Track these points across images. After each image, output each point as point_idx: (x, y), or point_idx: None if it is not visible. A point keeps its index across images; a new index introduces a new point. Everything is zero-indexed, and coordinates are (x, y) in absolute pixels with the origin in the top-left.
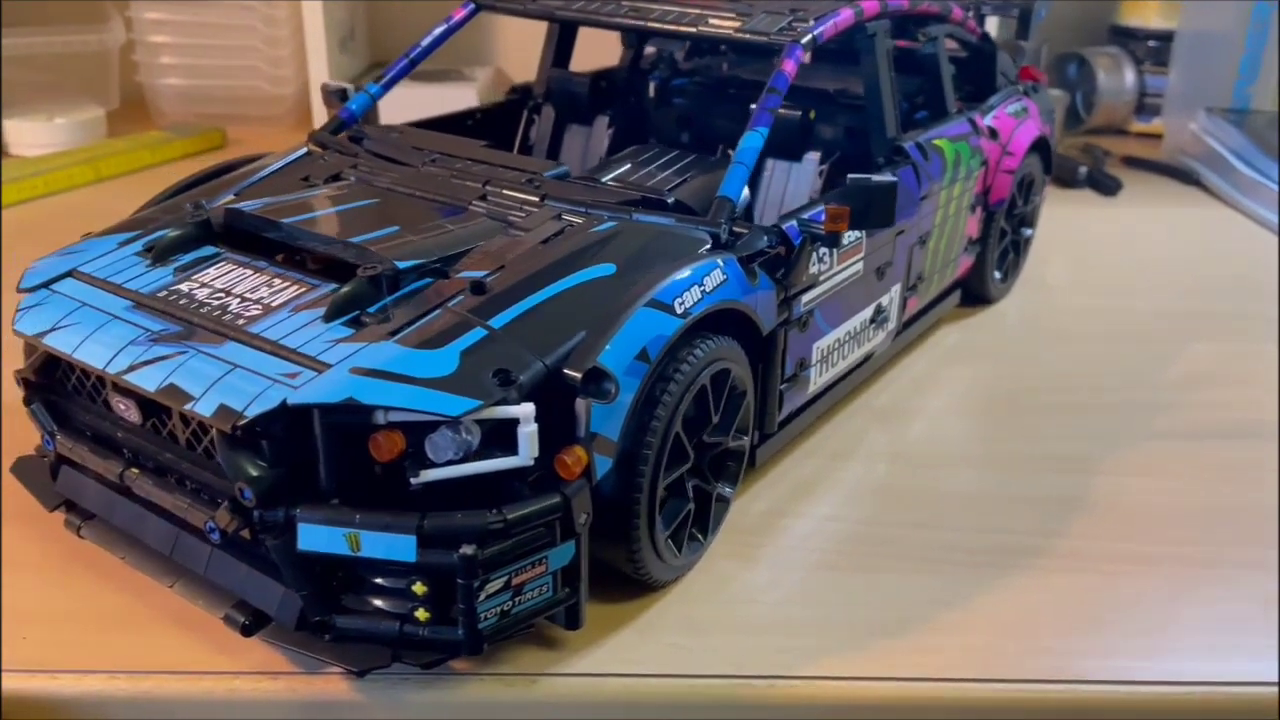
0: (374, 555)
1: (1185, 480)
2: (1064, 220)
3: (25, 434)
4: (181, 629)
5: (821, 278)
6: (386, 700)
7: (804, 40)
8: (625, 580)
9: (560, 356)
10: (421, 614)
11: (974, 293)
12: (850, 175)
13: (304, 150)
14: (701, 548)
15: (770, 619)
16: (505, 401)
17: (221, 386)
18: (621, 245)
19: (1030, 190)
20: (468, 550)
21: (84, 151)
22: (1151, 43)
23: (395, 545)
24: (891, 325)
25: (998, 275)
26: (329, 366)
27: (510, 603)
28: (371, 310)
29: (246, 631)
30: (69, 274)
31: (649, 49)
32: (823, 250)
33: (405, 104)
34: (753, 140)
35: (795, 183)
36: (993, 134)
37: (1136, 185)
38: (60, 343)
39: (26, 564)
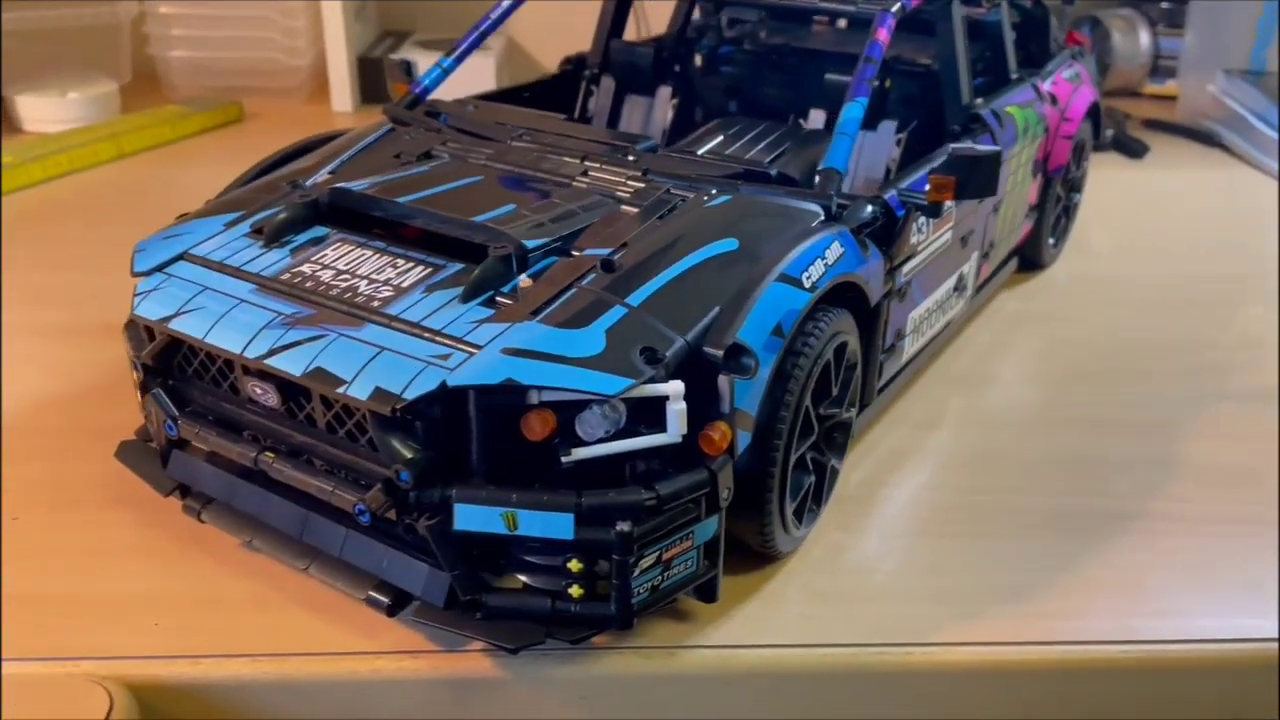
0: (531, 534)
1: (1268, 441)
2: (1097, 184)
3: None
4: (313, 611)
5: (920, 248)
6: (529, 675)
7: (894, 9)
8: (745, 553)
9: (699, 333)
10: (575, 590)
11: (1028, 258)
12: (953, 145)
13: (388, 127)
14: (815, 519)
15: (891, 587)
16: (654, 379)
17: (373, 369)
18: (739, 219)
19: (1081, 155)
20: (624, 527)
21: (105, 127)
22: (1165, 4)
23: (553, 523)
24: (969, 293)
25: (1051, 241)
26: (479, 347)
27: (660, 578)
28: (505, 290)
29: (391, 612)
30: (181, 256)
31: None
32: (922, 220)
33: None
34: (854, 111)
35: (871, 151)
36: (1053, 100)
37: (1160, 148)
38: (189, 328)
39: (140, 550)
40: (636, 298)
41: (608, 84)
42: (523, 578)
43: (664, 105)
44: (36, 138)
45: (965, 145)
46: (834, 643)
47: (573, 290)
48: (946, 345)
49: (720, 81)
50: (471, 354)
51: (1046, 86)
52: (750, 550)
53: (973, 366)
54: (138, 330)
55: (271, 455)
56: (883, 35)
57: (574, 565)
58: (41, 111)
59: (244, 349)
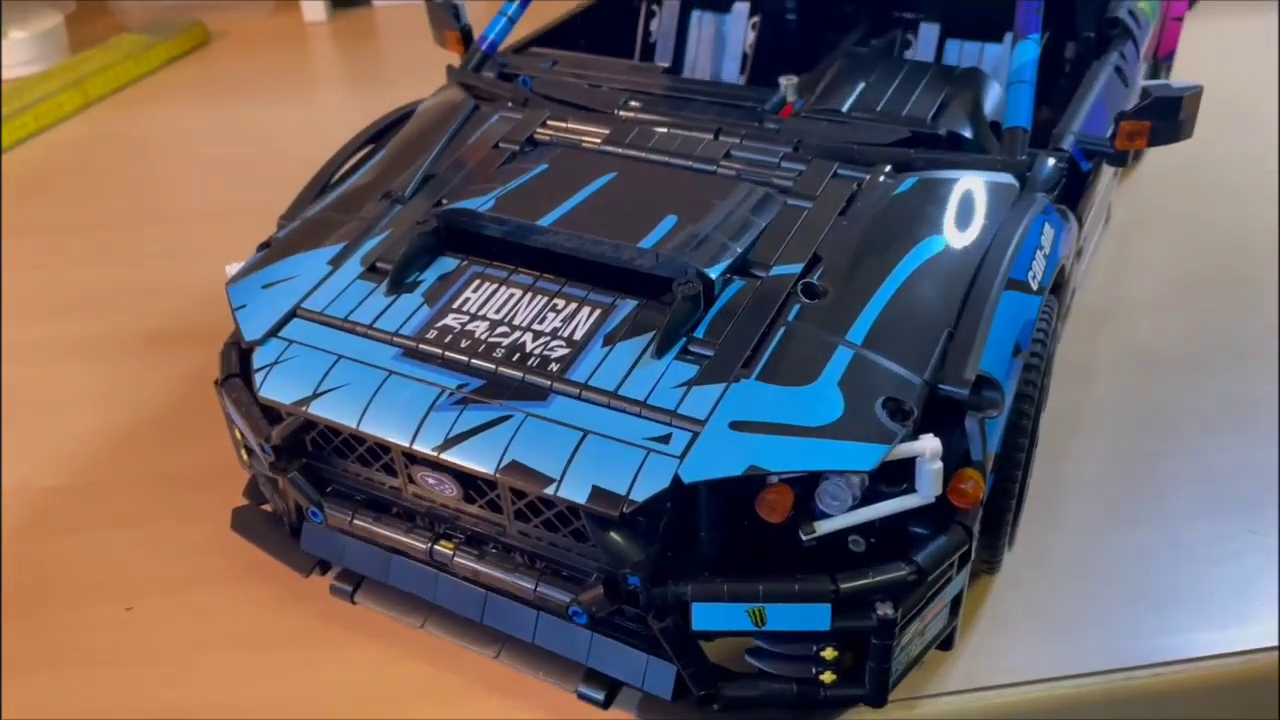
0: (781, 628)
1: None
2: None
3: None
4: (506, 696)
5: (1096, 195)
6: None
7: None
8: None
9: (934, 367)
10: (827, 676)
11: None
12: (1145, 83)
13: (471, 105)
14: None
15: (1111, 593)
16: (905, 438)
17: (583, 461)
18: (934, 209)
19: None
20: (886, 611)
21: (65, 72)
22: None
23: (807, 615)
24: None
25: None
26: (701, 423)
27: (915, 646)
28: (698, 334)
29: (605, 705)
30: (294, 313)
31: None
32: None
33: None
34: (1028, 51)
35: (996, 69)
36: None
37: None
38: (336, 413)
39: (287, 636)
40: (858, 332)
41: (672, 3)
42: (759, 665)
43: (742, 25)
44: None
45: (1159, 83)
46: (1080, 672)
47: (782, 330)
48: None
49: (791, 24)
50: (694, 432)
51: None
52: None
53: (1105, 291)
54: (242, 395)
55: (449, 546)
56: None
57: (828, 654)
58: None
59: (414, 439)
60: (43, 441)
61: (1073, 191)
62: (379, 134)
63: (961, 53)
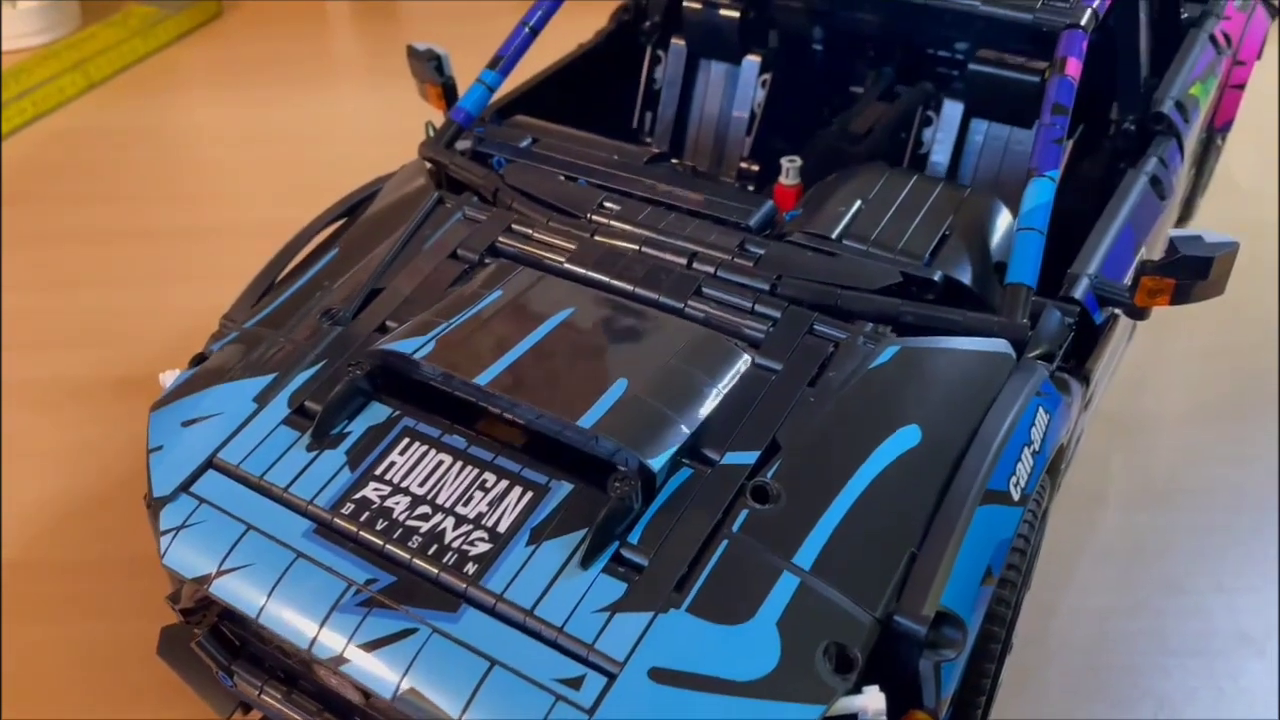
0: None
1: None
2: None
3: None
4: None
5: (1109, 347)
6: None
7: (1084, 21)
8: None
9: (890, 597)
10: None
11: None
12: (1173, 233)
13: (434, 198)
14: None
15: None
16: (847, 690)
17: (486, 701)
18: (915, 388)
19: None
20: None
21: (68, 51)
22: None
23: None
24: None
25: (1200, 199)
26: (618, 665)
27: None
28: (632, 539)
29: None
30: (209, 464)
31: None
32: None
33: None
34: (1043, 192)
35: (1025, 155)
36: (1226, 40)
37: None
38: (236, 599)
39: None
40: (807, 554)
41: (679, 49)
42: None
43: (752, 79)
44: None
45: (1189, 235)
46: None
47: (724, 544)
48: None
49: (818, 54)
50: (610, 675)
51: (1220, 29)
52: None
53: (1126, 400)
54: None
55: None
56: (1072, 68)
57: None
58: None
59: (312, 643)
60: None
61: (1083, 341)
62: (340, 216)
63: (987, 133)
